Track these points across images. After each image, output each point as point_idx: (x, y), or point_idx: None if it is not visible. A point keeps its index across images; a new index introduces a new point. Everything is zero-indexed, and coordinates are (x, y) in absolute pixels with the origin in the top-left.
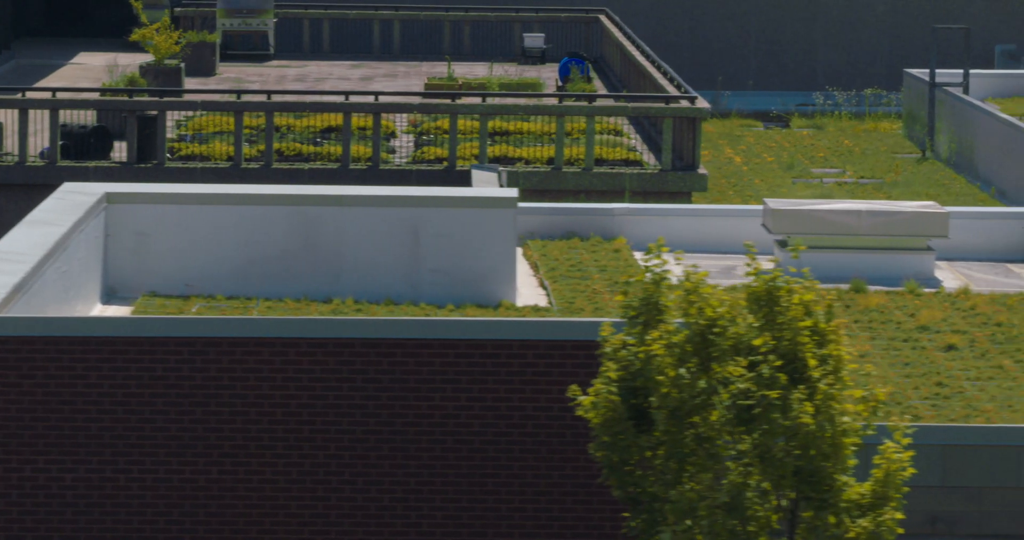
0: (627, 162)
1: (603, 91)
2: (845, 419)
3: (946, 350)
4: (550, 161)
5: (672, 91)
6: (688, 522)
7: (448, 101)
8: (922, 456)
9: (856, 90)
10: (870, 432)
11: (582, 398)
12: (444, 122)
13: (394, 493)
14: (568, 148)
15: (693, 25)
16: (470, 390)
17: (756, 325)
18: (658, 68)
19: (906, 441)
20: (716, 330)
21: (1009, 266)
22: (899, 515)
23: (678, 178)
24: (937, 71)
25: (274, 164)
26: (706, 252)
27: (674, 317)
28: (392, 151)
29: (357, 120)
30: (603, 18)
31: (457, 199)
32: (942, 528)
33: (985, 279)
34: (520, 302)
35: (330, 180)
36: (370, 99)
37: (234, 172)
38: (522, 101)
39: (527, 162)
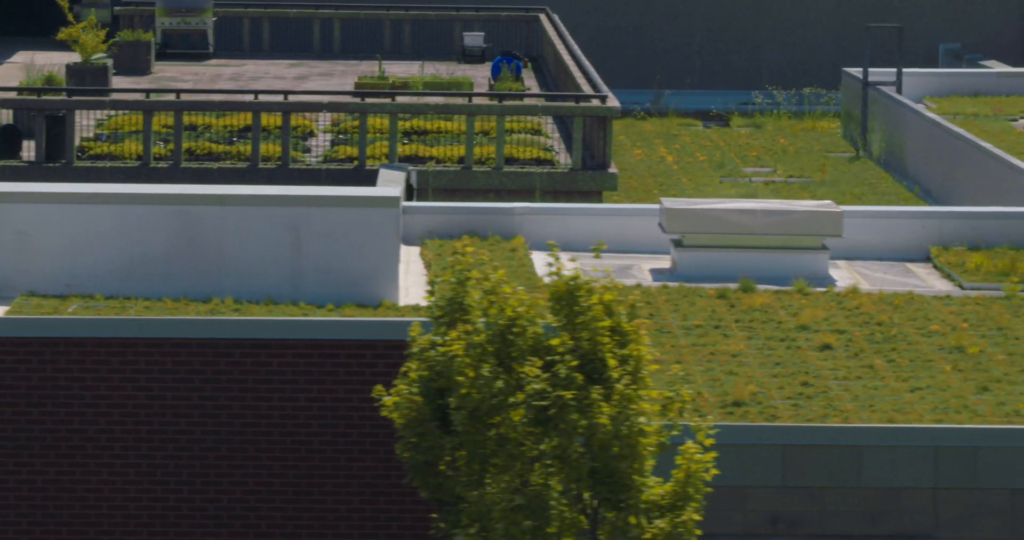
0: (539, 161)
1: (536, 90)
2: (641, 419)
3: (821, 349)
4: (461, 160)
5: (587, 90)
6: (495, 524)
7: (358, 100)
8: (763, 456)
9: (795, 89)
10: (675, 433)
11: (386, 399)
12: (369, 120)
13: (233, 494)
14: (483, 147)
15: (638, 24)
16: (308, 390)
17: (555, 325)
18: (580, 67)
19: (709, 442)
20: (515, 330)
21: (908, 265)
22: (697, 516)
23: (588, 177)
24: (872, 70)
25: (183, 163)
26: (605, 251)
27: (479, 317)
28: (307, 150)
29: (276, 119)
30: (543, 17)
31: (339, 198)
32: (783, 528)
33: (881, 278)
34: (405, 301)
35: (239, 180)
36: (279, 98)
37: (143, 171)
38: (433, 100)
39: (438, 161)
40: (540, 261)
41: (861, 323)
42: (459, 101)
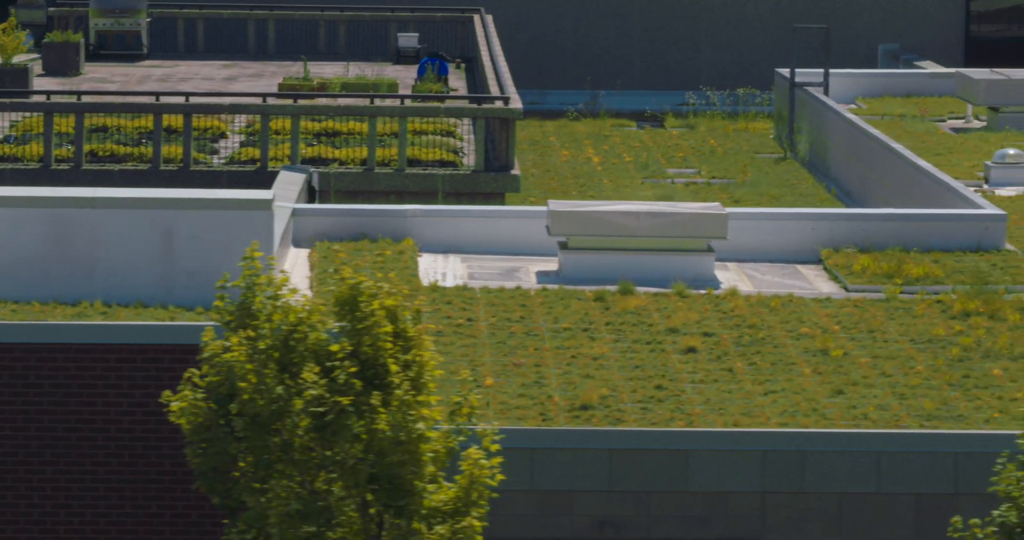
0: (442, 163)
1: (463, 91)
2: (420, 425)
3: (685, 352)
4: (364, 162)
5: (495, 92)
6: (271, 529)
7: (259, 102)
8: (590, 460)
9: (729, 89)
10: (461, 438)
11: (172, 404)
12: (280, 122)
13: (56, 499)
14: (387, 149)
15: (577, 25)
16: (132, 395)
17: (335, 330)
18: (494, 68)
19: (495, 447)
20: (297, 336)
21: (799, 267)
22: (479, 522)
23: (490, 179)
24: (802, 71)
25: (85, 165)
26: (494, 254)
27: (264, 322)
28: (215, 152)
29: (192, 121)
30: (476, 18)
31: (210, 201)
32: (610, 532)
33: (768, 280)
34: None
35: (140, 182)
36: (181, 100)
37: (43, 174)
38: (343, 102)
39: (341, 163)
40: (427, 263)
41: (732, 326)
42: (363, 102)
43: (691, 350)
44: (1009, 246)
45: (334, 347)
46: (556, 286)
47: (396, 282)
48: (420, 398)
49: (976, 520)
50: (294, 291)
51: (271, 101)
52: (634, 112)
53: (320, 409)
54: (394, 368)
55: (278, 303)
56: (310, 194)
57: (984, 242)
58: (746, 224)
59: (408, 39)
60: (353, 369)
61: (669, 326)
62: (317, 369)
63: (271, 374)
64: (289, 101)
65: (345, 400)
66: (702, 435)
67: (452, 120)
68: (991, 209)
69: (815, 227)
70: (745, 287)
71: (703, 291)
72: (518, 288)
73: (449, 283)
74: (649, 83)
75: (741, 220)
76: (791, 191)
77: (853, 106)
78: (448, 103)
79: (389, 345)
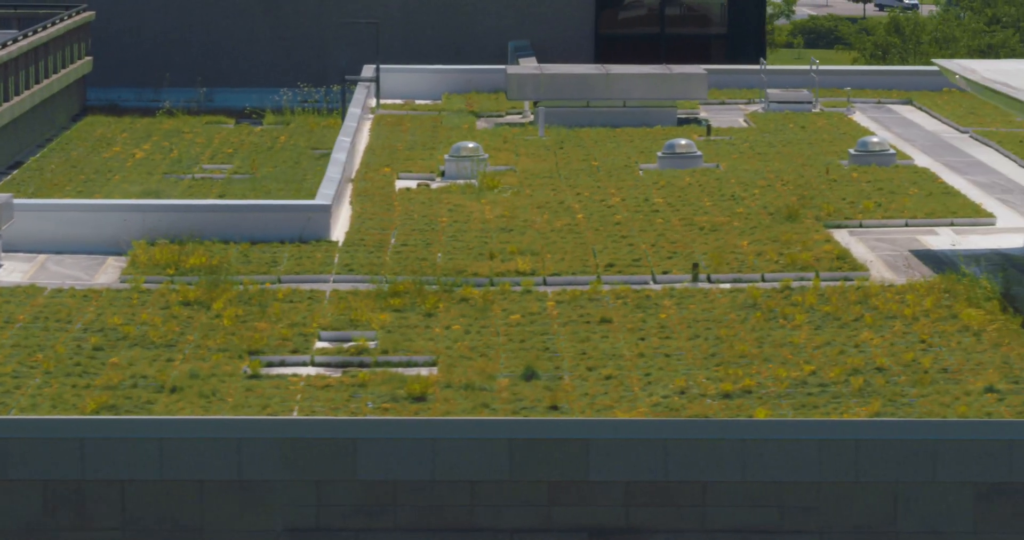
0: None
1: None
2: None
3: None
4: None
5: None
6: None
7: None
8: None
9: (327, 87)
10: None
11: None
12: None
13: None
14: None
15: (203, 22)
16: None
17: None
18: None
19: None
20: None
21: (110, 259)
22: None
23: None
24: (379, 67)
25: None
26: None
27: None
28: None
29: None
30: (68, 15)
31: None
32: None
33: (56, 272)
34: None
35: None
36: None
37: None
38: None
39: None
40: None
41: None
42: None
43: None
44: (336, 237)
45: None
46: None
47: None
48: None
49: None
50: None
51: None
52: (241, 110)
53: None
54: None
55: None
56: None
57: (306, 233)
58: (61, 215)
59: (3, 35)
60: None
61: None
62: None
63: None
64: None
65: None
66: None
67: None
68: (319, 201)
69: (127, 218)
70: (19, 280)
71: None
72: None
73: None
74: (276, 81)
75: (55, 211)
76: (294, 187)
77: (438, 101)
78: None
79: None
